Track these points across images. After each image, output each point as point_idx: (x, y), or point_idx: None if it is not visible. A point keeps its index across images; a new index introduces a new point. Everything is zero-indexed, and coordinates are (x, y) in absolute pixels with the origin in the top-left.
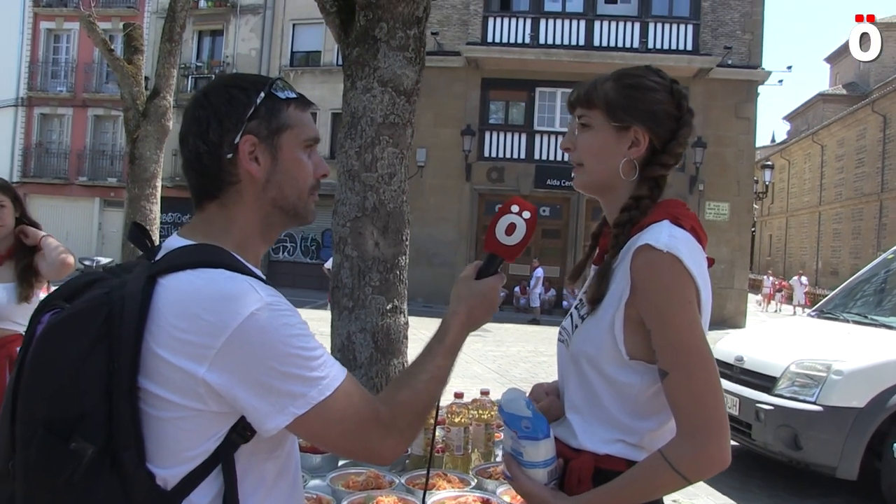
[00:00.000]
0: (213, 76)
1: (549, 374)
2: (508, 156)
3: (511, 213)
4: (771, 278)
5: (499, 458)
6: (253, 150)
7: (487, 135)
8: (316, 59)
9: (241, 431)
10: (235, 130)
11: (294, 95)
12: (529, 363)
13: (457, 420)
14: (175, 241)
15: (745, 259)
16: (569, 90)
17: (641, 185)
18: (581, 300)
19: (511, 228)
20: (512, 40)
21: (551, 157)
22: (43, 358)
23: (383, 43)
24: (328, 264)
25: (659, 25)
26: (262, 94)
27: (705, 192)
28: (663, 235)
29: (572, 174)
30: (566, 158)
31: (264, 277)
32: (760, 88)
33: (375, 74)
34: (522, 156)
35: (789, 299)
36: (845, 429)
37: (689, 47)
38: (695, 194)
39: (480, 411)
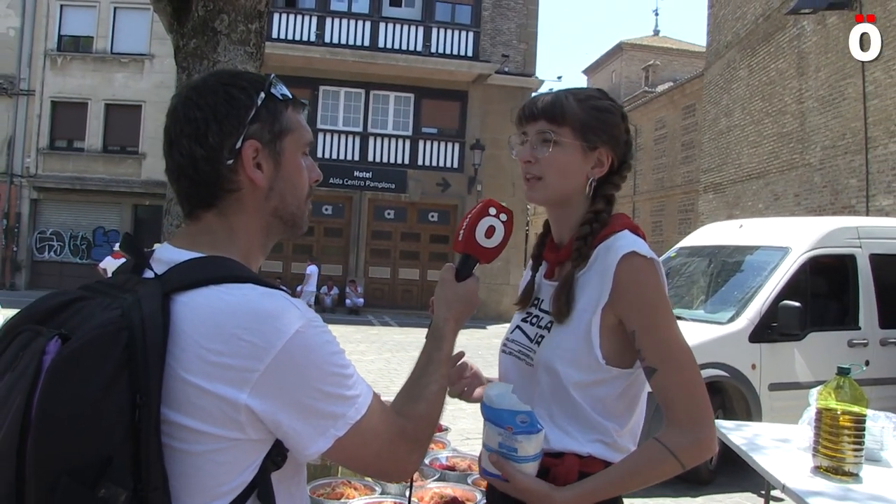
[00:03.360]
0: None
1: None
2: None
3: (489, 215)
4: None
5: None
6: (256, 155)
7: None
8: (87, 44)
9: (275, 458)
10: (237, 134)
11: (290, 95)
12: None
13: None
14: (175, 254)
15: (520, 256)
16: (353, 89)
17: (597, 200)
18: (530, 314)
19: (490, 231)
20: (297, 37)
21: (334, 156)
22: (60, 395)
23: (224, 36)
24: (103, 264)
25: (442, 31)
26: (263, 95)
27: (483, 192)
28: (640, 243)
29: (526, 186)
30: (349, 157)
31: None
32: (533, 95)
33: (215, 68)
34: None
35: None
36: (649, 413)
37: (470, 53)
38: (473, 194)
39: None
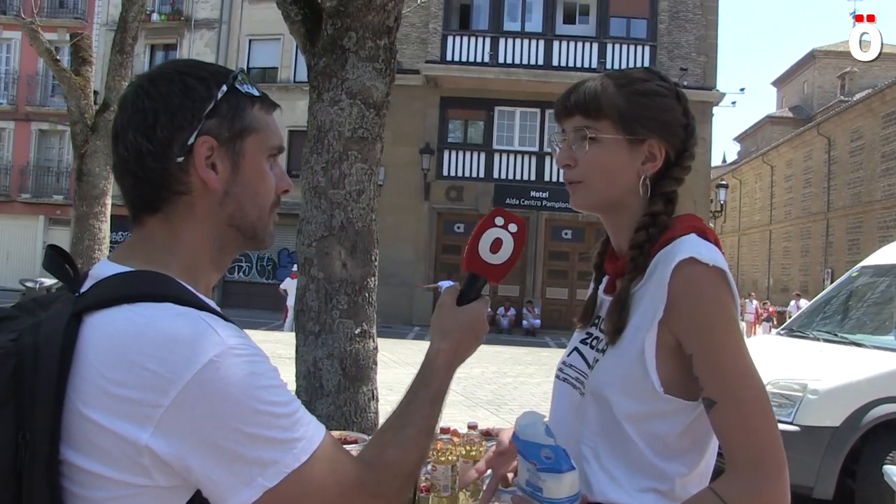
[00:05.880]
0: None
1: (515, 397)
2: (467, 175)
3: (495, 226)
4: (754, 302)
5: None
6: (210, 154)
7: (446, 153)
8: (273, 75)
9: None
10: (190, 129)
11: (258, 93)
12: (494, 384)
13: (443, 458)
14: (106, 268)
15: None
16: (528, 109)
17: (654, 200)
18: (590, 335)
19: (497, 245)
20: (471, 59)
21: (510, 177)
22: None
23: (352, 53)
24: (284, 285)
25: (617, 46)
26: (225, 88)
27: None
28: (703, 248)
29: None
30: (525, 177)
31: (221, 312)
32: (714, 109)
33: (343, 86)
34: (481, 175)
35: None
36: (821, 448)
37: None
38: None
39: (468, 447)
